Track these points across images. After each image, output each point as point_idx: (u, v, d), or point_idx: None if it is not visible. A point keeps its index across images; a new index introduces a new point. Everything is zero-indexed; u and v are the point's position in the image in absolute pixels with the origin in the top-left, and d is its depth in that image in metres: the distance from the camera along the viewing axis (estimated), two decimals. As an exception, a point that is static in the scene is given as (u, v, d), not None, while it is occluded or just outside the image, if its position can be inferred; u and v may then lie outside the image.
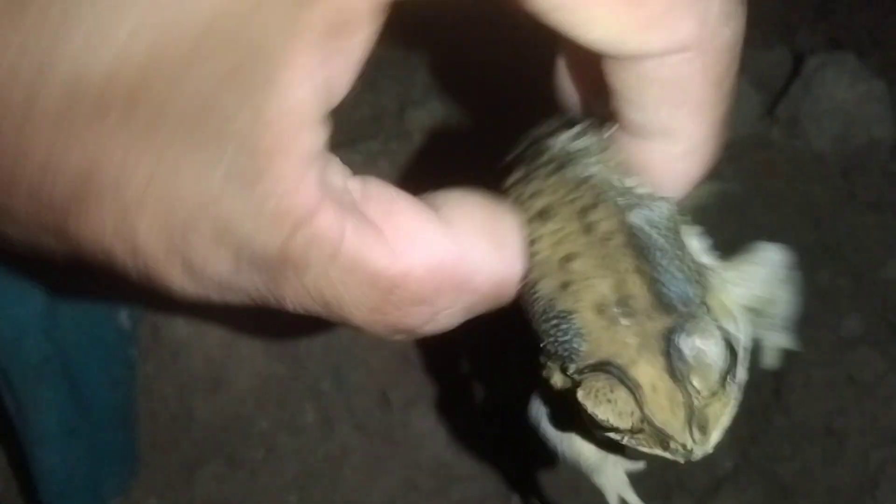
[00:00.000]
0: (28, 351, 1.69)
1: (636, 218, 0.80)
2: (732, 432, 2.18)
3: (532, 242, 0.83)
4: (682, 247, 0.82)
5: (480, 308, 0.79)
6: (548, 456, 1.04)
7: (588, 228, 0.81)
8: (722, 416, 0.78)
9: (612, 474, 1.04)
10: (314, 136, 0.66)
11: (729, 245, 2.47)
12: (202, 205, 0.66)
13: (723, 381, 0.76)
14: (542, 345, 0.84)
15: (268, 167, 0.65)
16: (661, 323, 0.77)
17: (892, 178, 2.55)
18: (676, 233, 0.82)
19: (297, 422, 2.15)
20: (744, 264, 0.92)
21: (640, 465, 1.05)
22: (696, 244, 0.87)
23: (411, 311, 0.75)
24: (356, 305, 0.74)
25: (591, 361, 0.79)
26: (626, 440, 0.79)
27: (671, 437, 0.76)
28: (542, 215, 0.83)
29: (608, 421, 0.76)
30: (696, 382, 0.75)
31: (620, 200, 0.81)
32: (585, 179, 0.83)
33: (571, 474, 1.32)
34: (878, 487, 1.99)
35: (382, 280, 0.73)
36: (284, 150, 0.65)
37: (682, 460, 0.78)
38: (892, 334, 2.28)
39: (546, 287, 0.82)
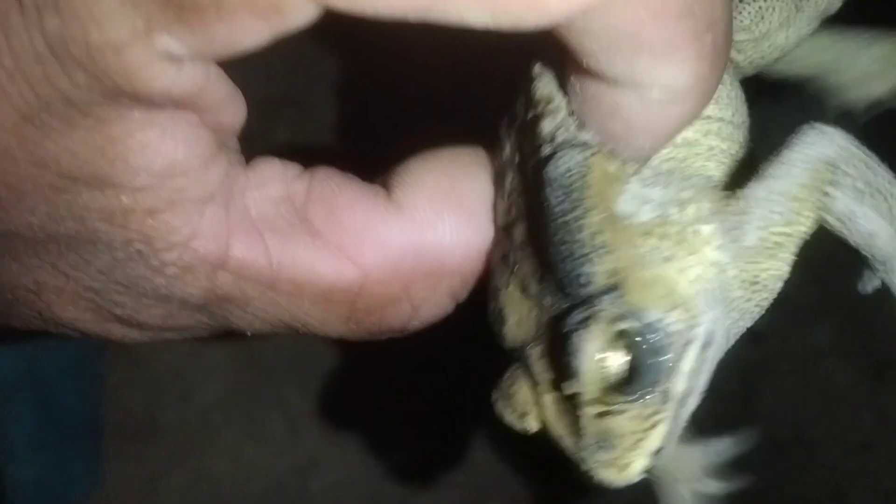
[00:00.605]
0: (2, 370, 1.68)
1: (546, 174, 0.60)
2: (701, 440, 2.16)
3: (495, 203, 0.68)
4: (584, 210, 0.59)
5: (467, 287, 0.70)
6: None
7: (528, 187, 0.64)
8: (640, 436, 0.58)
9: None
10: (202, 180, 0.60)
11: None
12: (102, 278, 0.63)
13: (620, 390, 0.57)
14: None
15: (153, 231, 0.60)
16: (552, 308, 0.62)
17: (861, 190, 2.57)
18: (583, 190, 0.59)
19: (264, 432, 2.12)
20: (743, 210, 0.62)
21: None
22: (630, 203, 0.61)
23: (387, 313, 0.67)
24: (323, 321, 0.67)
25: (511, 346, 0.66)
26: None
27: (568, 453, 0.60)
28: (500, 173, 0.68)
29: (509, 423, 0.62)
30: (570, 388, 0.57)
31: (545, 149, 0.62)
32: (531, 125, 0.65)
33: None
34: (847, 497, 1.99)
35: (337, 293, 0.65)
36: (170, 206, 0.59)
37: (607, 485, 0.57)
38: (861, 345, 2.28)
39: (494, 256, 0.68)
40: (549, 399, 0.60)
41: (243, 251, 0.62)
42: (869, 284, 0.75)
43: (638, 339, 0.57)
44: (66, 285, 0.64)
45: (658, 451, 0.58)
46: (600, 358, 0.56)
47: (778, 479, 2.09)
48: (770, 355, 2.24)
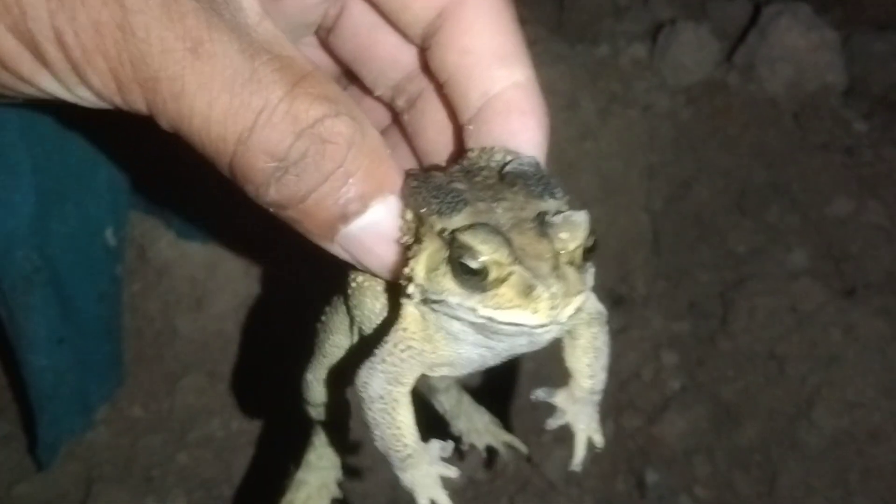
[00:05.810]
0: (18, 262, 1.72)
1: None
2: (681, 356, 2.20)
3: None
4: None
5: None
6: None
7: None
8: (580, 289, 0.83)
9: (424, 472, 0.99)
10: None
11: (686, 184, 2.48)
12: None
13: (588, 239, 0.84)
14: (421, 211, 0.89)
15: None
16: (533, 208, 0.87)
17: (841, 122, 2.59)
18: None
19: (274, 339, 2.17)
20: None
21: (453, 472, 0.98)
22: None
23: None
24: None
25: (468, 222, 0.85)
26: (490, 288, 0.82)
27: (538, 278, 0.81)
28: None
29: (487, 252, 0.81)
30: (563, 235, 0.83)
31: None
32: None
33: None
34: (815, 408, 2.03)
35: None
36: None
37: (543, 320, 0.82)
38: (835, 267, 2.31)
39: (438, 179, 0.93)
40: (524, 245, 0.84)
41: None
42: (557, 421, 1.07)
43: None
44: None
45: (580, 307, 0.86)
46: (578, 218, 0.84)
47: (751, 390, 2.13)
48: (748, 277, 2.28)
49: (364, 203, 0.88)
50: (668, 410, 2.11)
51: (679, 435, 2.10)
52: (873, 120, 2.61)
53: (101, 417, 2.08)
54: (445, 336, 0.94)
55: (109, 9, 0.78)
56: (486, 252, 0.81)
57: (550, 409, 1.06)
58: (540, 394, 1.04)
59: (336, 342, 1.19)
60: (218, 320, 2.19)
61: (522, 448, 1.59)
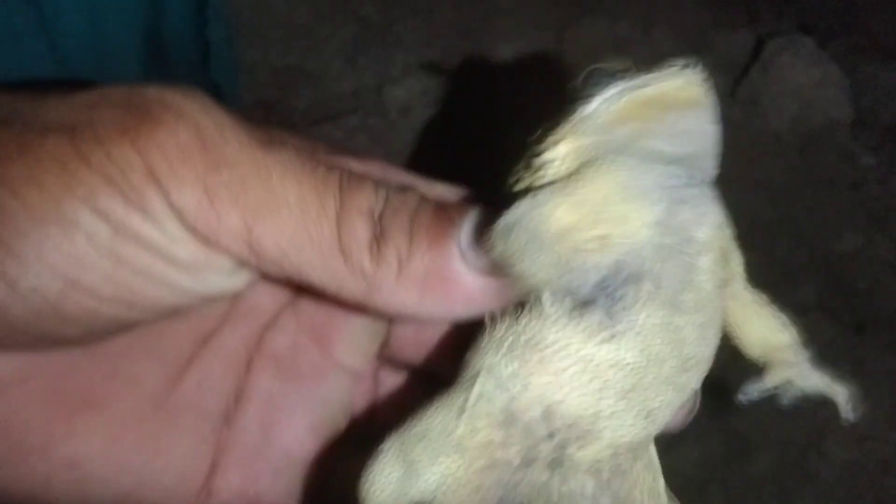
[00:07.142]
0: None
1: None
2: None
3: None
4: None
5: None
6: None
7: None
8: None
9: None
10: None
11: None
12: None
13: None
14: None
15: None
16: None
17: (847, 157, 2.61)
18: None
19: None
20: None
21: None
22: None
23: None
24: None
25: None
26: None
27: None
28: None
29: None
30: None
31: None
32: None
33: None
34: (825, 440, 2.06)
35: None
36: None
37: None
38: (844, 302, 2.34)
39: None
40: None
41: None
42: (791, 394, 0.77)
43: None
44: None
45: None
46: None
47: (764, 421, 2.15)
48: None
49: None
50: (683, 442, 2.13)
51: (694, 465, 2.12)
52: (881, 153, 2.62)
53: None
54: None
55: None
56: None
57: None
58: (751, 390, 0.77)
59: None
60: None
61: None
